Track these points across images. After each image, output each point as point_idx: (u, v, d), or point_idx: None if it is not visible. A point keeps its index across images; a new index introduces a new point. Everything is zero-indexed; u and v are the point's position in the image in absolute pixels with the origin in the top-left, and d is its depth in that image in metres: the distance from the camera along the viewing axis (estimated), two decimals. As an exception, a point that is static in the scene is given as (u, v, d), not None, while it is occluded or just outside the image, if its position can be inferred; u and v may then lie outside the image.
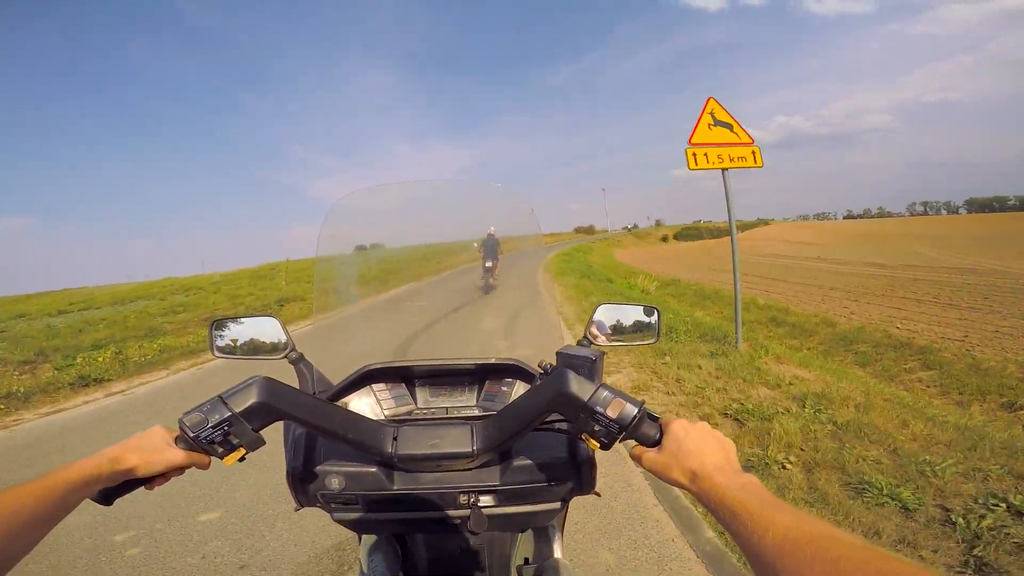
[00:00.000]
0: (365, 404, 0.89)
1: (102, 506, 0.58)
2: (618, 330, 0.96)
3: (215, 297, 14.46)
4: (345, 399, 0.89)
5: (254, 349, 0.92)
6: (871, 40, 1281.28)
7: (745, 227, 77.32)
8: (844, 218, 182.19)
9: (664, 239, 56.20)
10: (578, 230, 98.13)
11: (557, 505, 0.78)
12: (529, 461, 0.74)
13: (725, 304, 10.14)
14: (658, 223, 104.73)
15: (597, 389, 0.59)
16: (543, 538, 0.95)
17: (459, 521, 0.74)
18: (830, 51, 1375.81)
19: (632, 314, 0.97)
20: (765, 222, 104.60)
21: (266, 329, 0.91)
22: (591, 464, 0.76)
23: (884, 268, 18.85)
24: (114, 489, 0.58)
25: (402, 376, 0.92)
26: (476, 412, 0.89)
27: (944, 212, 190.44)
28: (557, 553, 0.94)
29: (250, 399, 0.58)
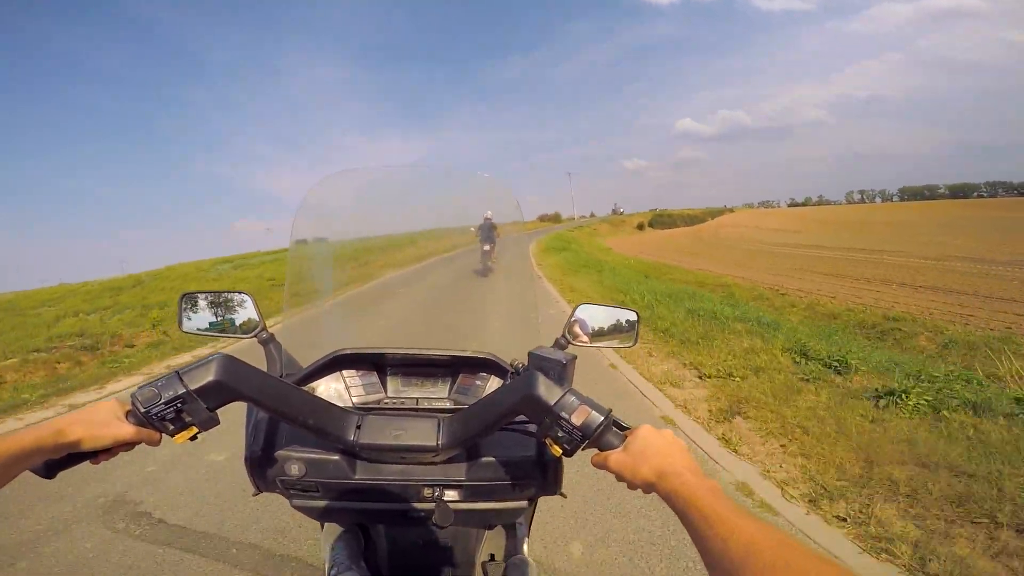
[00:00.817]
0: (333, 390, 0.87)
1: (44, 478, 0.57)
2: (597, 331, 0.96)
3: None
4: (313, 384, 0.86)
5: (224, 326, 0.90)
6: (811, 37, 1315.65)
7: (712, 214, 78.20)
8: (788, 206, 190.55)
9: (640, 227, 54.87)
10: (542, 218, 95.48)
11: (523, 504, 0.77)
12: (496, 459, 0.73)
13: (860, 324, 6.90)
14: (615, 211, 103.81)
15: (564, 394, 0.59)
16: (510, 535, 0.95)
17: (423, 514, 0.74)
18: (772, 47, 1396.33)
19: (612, 316, 0.97)
20: (730, 210, 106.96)
21: (238, 307, 0.90)
22: (557, 466, 0.75)
23: (903, 255, 17.73)
24: (58, 462, 0.57)
25: (374, 363, 0.90)
26: (448, 404, 0.88)
27: (879, 200, 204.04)
28: (523, 551, 0.95)
29: (207, 377, 0.56)
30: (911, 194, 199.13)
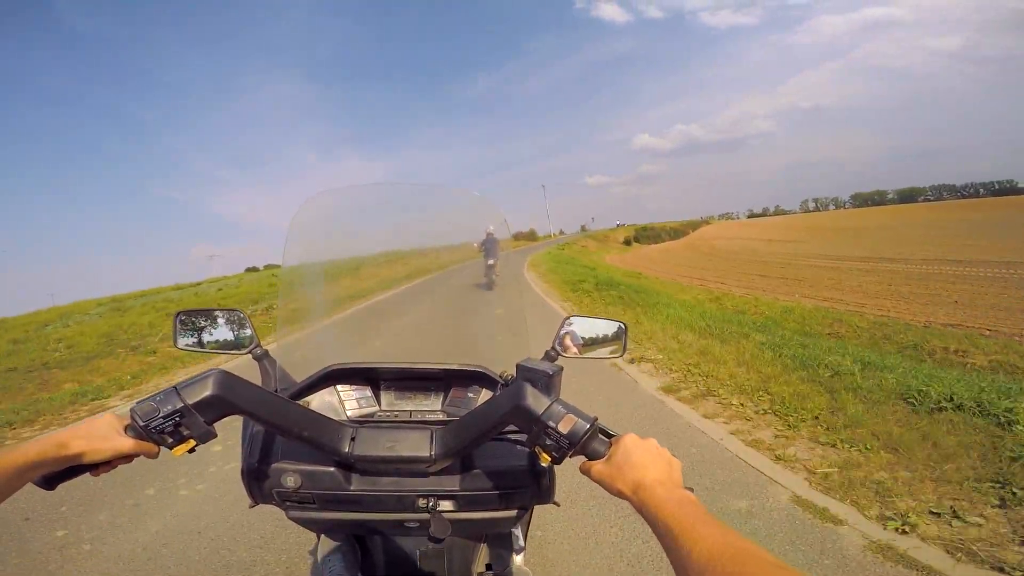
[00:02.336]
0: (328, 404, 0.87)
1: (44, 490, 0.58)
2: (587, 343, 0.97)
3: None
4: (307, 398, 0.87)
5: (219, 343, 0.91)
6: (756, 51, 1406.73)
7: (692, 226, 79.16)
8: (748, 217, 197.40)
9: (628, 242, 54.18)
10: (517, 237, 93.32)
11: (517, 513, 0.78)
12: (489, 469, 0.74)
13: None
14: (583, 228, 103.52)
15: (551, 404, 0.61)
16: (505, 545, 0.94)
17: (417, 525, 0.75)
18: (721, 61, 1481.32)
19: (600, 328, 0.99)
20: (706, 221, 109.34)
21: (232, 323, 0.91)
22: (550, 475, 0.76)
23: (927, 263, 16.59)
24: (58, 474, 0.57)
25: (367, 377, 0.91)
26: (441, 417, 0.88)
27: (832, 207, 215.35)
28: (519, 561, 0.94)
29: (205, 392, 0.57)
30: (862, 200, 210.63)
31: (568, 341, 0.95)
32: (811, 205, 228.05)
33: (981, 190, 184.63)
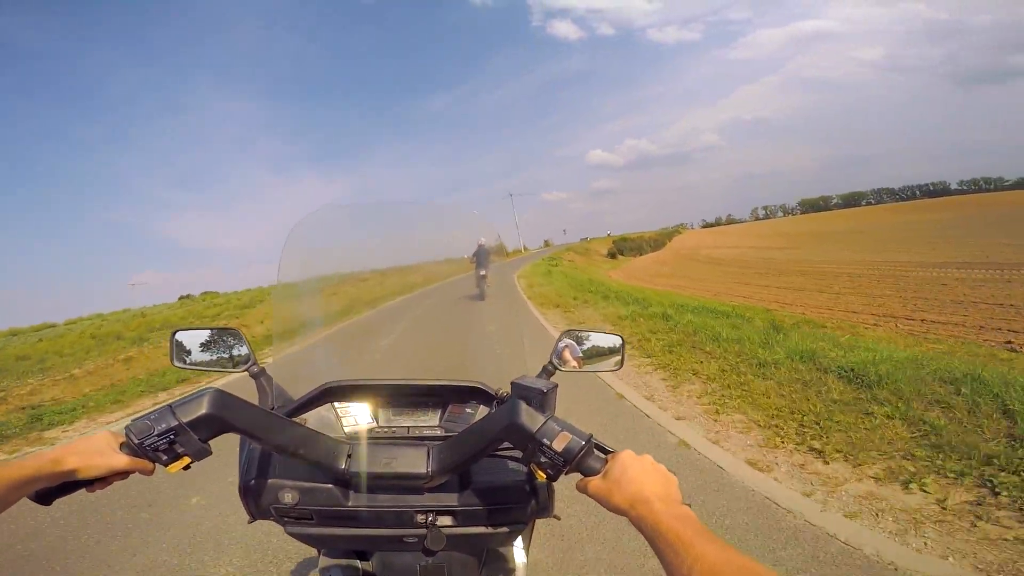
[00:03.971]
0: (325, 421, 0.87)
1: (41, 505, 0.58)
2: (585, 357, 0.96)
3: None
4: (304, 415, 0.86)
5: (215, 361, 0.91)
6: (701, 66, 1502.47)
7: (667, 236, 78.86)
8: (702, 227, 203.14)
9: (613, 255, 51.96)
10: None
11: (516, 528, 0.77)
12: (487, 484, 0.74)
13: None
14: (546, 243, 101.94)
15: (546, 422, 0.60)
16: (507, 560, 0.92)
17: (416, 540, 0.74)
18: (669, 77, 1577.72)
19: (599, 341, 0.98)
20: (679, 231, 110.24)
21: (229, 341, 0.91)
22: (548, 489, 0.75)
23: (940, 267, 15.24)
24: (53, 490, 0.58)
25: (365, 394, 0.90)
26: (439, 433, 0.87)
27: (781, 214, 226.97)
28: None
29: (199, 410, 0.58)
30: (809, 206, 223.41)
31: (567, 355, 0.95)
32: (761, 213, 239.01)
33: (917, 192, 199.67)
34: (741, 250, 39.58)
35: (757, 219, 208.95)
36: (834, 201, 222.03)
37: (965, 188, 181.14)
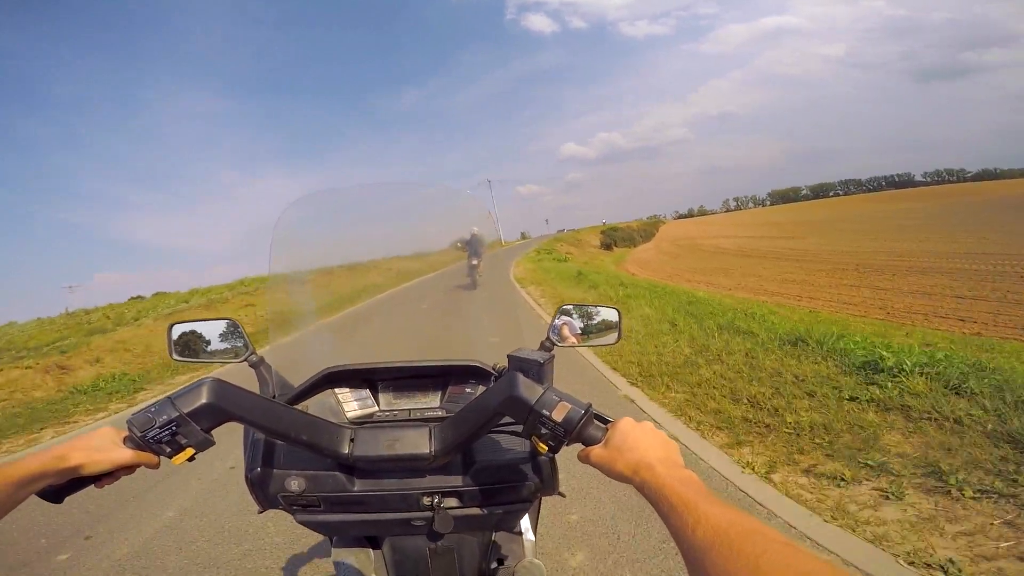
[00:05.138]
0: (326, 407, 0.88)
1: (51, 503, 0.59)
2: (582, 331, 0.97)
3: None
4: (305, 402, 0.87)
5: (213, 352, 0.91)
6: (671, 60, 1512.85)
7: (655, 226, 79.48)
8: (676, 218, 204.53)
9: (607, 246, 51.54)
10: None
11: (522, 506, 0.78)
12: (491, 462, 0.74)
13: None
14: (523, 235, 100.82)
15: (544, 392, 0.60)
16: (515, 539, 0.94)
17: (423, 523, 0.75)
18: (640, 71, 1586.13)
19: (594, 314, 0.99)
20: (662, 222, 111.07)
21: (226, 332, 0.91)
22: (552, 466, 0.75)
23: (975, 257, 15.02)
24: (63, 487, 0.59)
25: (365, 378, 0.91)
26: (440, 414, 0.88)
27: (752, 205, 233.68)
28: (530, 555, 0.94)
29: (199, 400, 0.58)
30: (778, 197, 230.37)
31: (565, 331, 0.95)
32: (732, 204, 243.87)
33: (883, 183, 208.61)
34: (739, 240, 39.28)
35: (728, 210, 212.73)
36: (803, 192, 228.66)
37: (929, 180, 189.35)
